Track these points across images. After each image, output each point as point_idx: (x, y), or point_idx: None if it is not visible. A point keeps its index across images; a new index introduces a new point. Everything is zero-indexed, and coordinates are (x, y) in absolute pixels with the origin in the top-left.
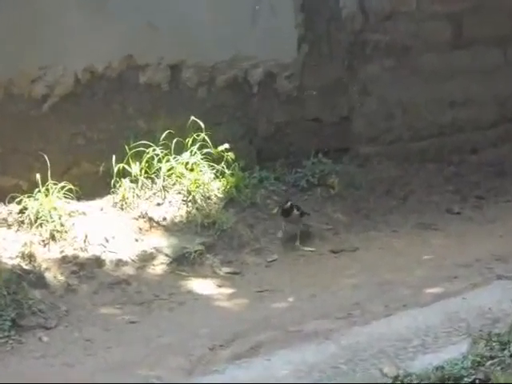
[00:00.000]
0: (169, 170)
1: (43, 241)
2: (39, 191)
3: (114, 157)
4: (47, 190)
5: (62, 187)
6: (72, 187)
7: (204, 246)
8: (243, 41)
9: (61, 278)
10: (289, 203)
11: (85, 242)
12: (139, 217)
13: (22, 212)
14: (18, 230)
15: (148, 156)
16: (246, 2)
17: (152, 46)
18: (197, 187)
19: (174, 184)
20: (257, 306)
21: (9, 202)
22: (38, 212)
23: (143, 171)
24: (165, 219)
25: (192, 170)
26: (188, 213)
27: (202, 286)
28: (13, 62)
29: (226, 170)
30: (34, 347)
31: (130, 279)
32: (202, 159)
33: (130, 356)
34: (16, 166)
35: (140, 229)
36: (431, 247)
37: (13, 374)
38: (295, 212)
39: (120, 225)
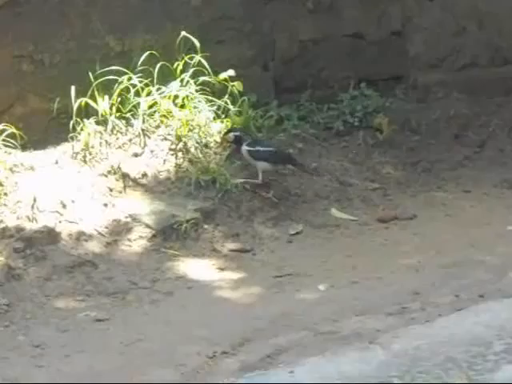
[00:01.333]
0: (150, 107)
1: None
2: None
3: (72, 88)
4: None
5: (1, 131)
6: (14, 131)
7: (200, 214)
8: None
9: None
10: (231, 133)
11: (33, 208)
12: (109, 173)
13: None
14: None
15: (121, 87)
16: None
17: None
18: (190, 131)
19: (157, 126)
20: (274, 297)
21: None
22: None
23: (114, 109)
24: (145, 176)
25: (183, 106)
26: (177, 167)
27: (197, 269)
28: None
29: (231, 107)
30: None
31: (96, 260)
32: (197, 91)
33: (96, 367)
34: None
35: (110, 189)
36: None
37: None
38: (244, 147)
39: (82, 184)
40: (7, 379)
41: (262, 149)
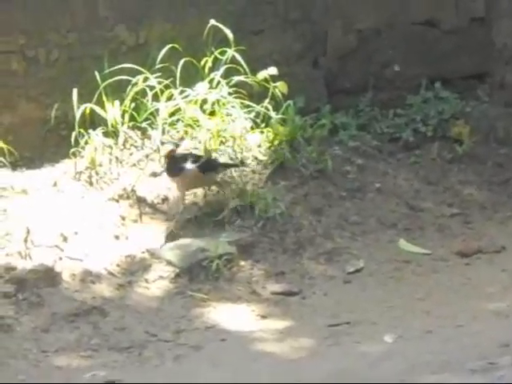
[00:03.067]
0: (172, 115)
1: None
2: None
3: (74, 92)
4: None
5: None
6: (2, 146)
7: (236, 248)
8: None
9: None
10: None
11: (26, 241)
12: (121, 197)
13: None
14: None
15: (135, 90)
16: None
17: None
18: (221, 144)
19: (180, 139)
20: (329, 351)
21: None
22: None
23: (127, 117)
24: (165, 201)
25: (213, 113)
26: (207, 189)
27: (232, 316)
28: None
29: (273, 114)
30: None
31: (106, 306)
32: (230, 94)
33: None
34: None
35: (122, 218)
36: None
37: None
38: (190, 166)
39: (87, 211)
40: None
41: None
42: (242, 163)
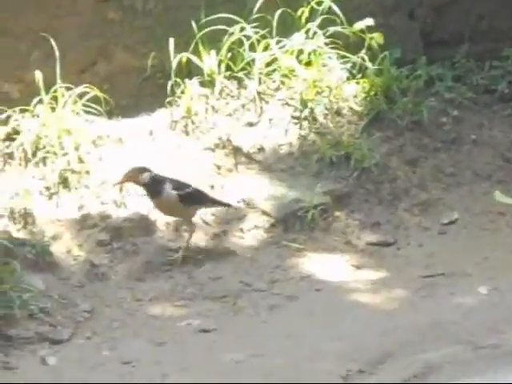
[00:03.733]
0: (268, 65)
1: (47, 188)
2: (40, 102)
3: (171, 41)
4: (54, 99)
5: (81, 94)
6: (98, 95)
7: (331, 198)
8: None
9: (79, 253)
10: (147, 174)
11: (121, 190)
12: (216, 146)
13: (10, 138)
14: (2, 169)
15: (231, 40)
16: None
17: None
18: (317, 94)
19: (276, 89)
20: (423, 302)
21: None
22: (38, 138)
23: (223, 67)
24: (261, 150)
25: (309, 63)
26: (302, 139)
27: (327, 267)
28: None
29: (369, 64)
30: (32, 374)
31: (200, 255)
32: (326, 45)
33: None
34: (1, 59)
35: (218, 167)
36: None
37: None
38: (170, 191)
39: (183, 161)
40: None
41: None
42: (229, 205)
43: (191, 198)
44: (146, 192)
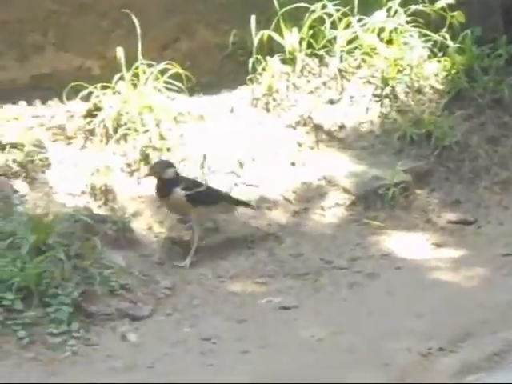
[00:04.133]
0: (349, 43)
1: (129, 165)
2: (121, 78)
3: (253, 18)
4: (136, 75)
5: (162, 71)
6: (179, 71)
7: (411, 176)
8: None
9: (160, 230)
10: (172, 170)
11: (202, 167)
12: (298, 124)
13: (91, 114)
14: (83, 145)
15: (313, 17)
16: None
17: None
18: (399, 72)
19: (358, 67)
20: (504, 280)
21: (68, 98)
22: (119, 115)
23: (304, 44)
24: (342, 128)
25: (390, 41)
26: (383, 117)
27: (407, 244)
28: None
29: (450, 43)
30: (112, 351)
31: (281, 233)
32: (407, 23)
33: (280, 366)
34: (81, 35)
35: (299, 144)
36: None
37: None
38: (179, 191)
39: (264, 138)
40: (171, 379)
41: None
42: (249, 205)
43: (200, 198)
44: (158, 189)
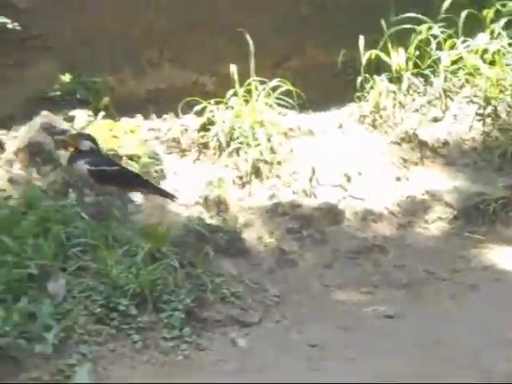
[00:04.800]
0: (454, 63)
1: (240, 178)
2: (234, 94)
3: (361, 38)
4: (248, 92)
5: (274, 88)
6: (290, 88)
7: None
8: None
9: (270, 240)
10: (87, 143)
11: (311, 180)
12: (403, 140)
13: (205, 129)
14: (197, 158)
15: (419, 39)
16: None
17: None
18: (500, 92)
19: (461, 86)
20: None
21: (183, 112)
22: (231, 129)
23: (410, 64)
24: (446, 145)
25: (493, 63)
26: (485, 135)
27: (507, 258)
28: None
29: None
30: (222, 356)
31: (386, 245)
32: (510, 45)
33: (384, 373)
34: (196, 52)
35: (404, 160)
36: None
37: None
38: (82, 163)
39: (371, 153)
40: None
41: (108, 168)
42: (171, 197)
43: (105, 177)
44: (68, 158)
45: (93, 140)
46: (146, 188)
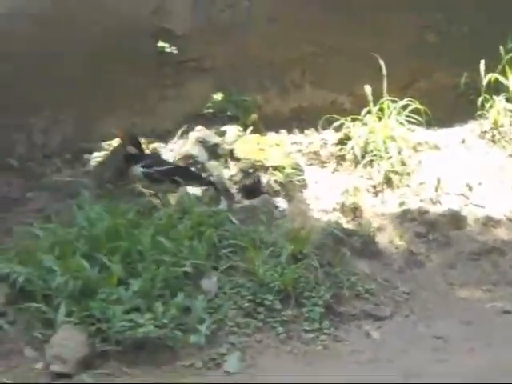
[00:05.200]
0: None
1: (374, 187)
2: (369, 112)
3: (482, 62)
4: (381, 110)
5: (404, 107)
6: (419, 107)
7: None
8: None
9: (400, 243)
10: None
11: (437, 190)
12: None
13: (342, 143)
14: (335, 169)
15: None
16: None
17: None
18: None
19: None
20: None
21: (323, 128)
22: (366, 143)
23: None
24: None
25: None
26: None
27: None
28: None
29: None
30: (357, 347)
31: (504, 247)
32: None
33: (502, 363)
34: (334, 75)
35: None
36: None
37: None
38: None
39: (490, 166)
40: (407, 373)
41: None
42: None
43: (161, 175)
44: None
45: (137, 143)
46: (197, 180)
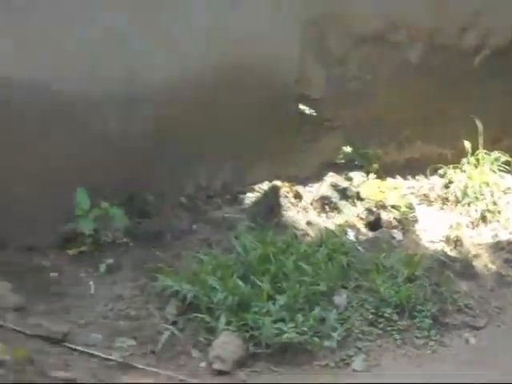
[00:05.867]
0: None
1: (472, 222)
2: (467, 162)
3: None
4: (477, 160)
5: (496, 158)
6: (508, 159)
7: None
8: None
9: (492, 267)
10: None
11: None
12: None
13: (446, 187)
14: (441, 208)
15: None
16: None
17: None
18: None
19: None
20: None
21: (431, 175)
22: (465, 187)
23: None
24: None
25: None
26: None
27: None
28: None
29: None
30: (458, 350)
31: None
32: None
33: None
34: (441, 132)
35: None
36: None
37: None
38: None
39: None
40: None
41: None
42: None
43: None
44: None
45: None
46: None
